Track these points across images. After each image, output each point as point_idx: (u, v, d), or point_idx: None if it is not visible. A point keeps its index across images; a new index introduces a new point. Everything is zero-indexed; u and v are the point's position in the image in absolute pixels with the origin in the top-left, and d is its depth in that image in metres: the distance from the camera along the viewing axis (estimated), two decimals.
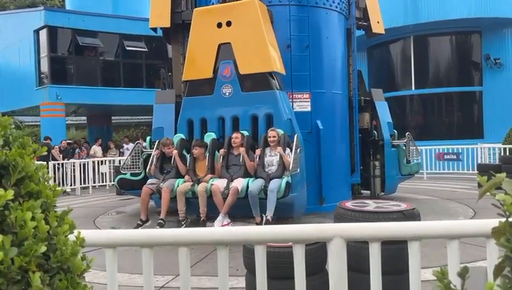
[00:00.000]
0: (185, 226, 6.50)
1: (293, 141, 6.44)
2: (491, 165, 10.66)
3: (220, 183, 6.36)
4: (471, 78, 16.94)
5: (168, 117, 7.85)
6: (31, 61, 18.22)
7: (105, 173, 13.78)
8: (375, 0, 9.45)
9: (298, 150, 6.42)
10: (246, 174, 6.45)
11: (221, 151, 6.76)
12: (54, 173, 12.40)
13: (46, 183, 1.18)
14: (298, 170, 6.38)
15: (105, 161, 14.01)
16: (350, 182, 8.65)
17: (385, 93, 10.03)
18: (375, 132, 9.19)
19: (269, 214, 6.04)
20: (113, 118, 23.92)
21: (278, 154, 6.34)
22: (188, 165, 6.89)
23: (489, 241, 1.78)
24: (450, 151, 14.33)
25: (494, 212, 0.93)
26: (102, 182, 13.76)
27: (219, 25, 7.17)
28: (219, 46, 7.18)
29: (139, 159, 7.86)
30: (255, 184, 6.18)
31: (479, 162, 12.51)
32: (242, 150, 6.51)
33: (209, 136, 7.10)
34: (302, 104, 7.69)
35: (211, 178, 6.60)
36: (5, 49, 20.13)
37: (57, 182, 12.08)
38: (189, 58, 7.42)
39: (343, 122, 8.41)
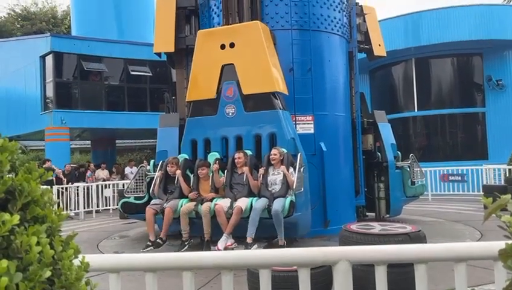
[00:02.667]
0: (189, 247, 6.48)
1: (296, 160, 6.43)
2: (496, 186, 10.59)
3: (223, 203, 6.32)
4: (474, 99, 16.99)
5: (172, 140, 7.88)
6: (36, 87, 18.45)
7: (109, 197, 13.76)
8: (377, 24, 9.57)
9: (302, 169, 6.39)
10: (250, 194, 6.42)
11: (214, 166, 6.76)
12: (58, 197, 12.40)
13: (51, 207, 1.18)
14: (302, 189, 6.35)
15: (109, 184, 14.01)
16: (355, 204, 8.59)
17: (388, 115, 10.07)
18: (378, 153, 9.17)
19: (280, 238, 5.99)
20: (117, 141, 24.04)
21: (281, 173, 6.32)
22: (191, 185, 6.89)
23: (496, 264, 1.76)
24: (455, 172, 14.26)
25: (502, 233, 0.92)
26: (106, 206, 13.72)
27: (222, 47, 7.26)
28: (222, 67, 7.26)
29: (142, 182, 7.85)
30: (259, 203, 6.15)
31: (484, 183, 12.43)
32: (246, 169, 6.49)
33: (213, 156, 7.11)
34: (305, 126, 7.71)
35: (214, 198, 6.57)
36: (12, 74, 20.42)
37: (61, 206, 12.07)
38: (193, 79, 7.49)
39: (346, 144, 8.41)
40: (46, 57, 17.96)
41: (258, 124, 6.97)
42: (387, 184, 8.91)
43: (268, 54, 7.01)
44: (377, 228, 3.66)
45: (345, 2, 8.73)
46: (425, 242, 3.32)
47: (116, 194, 13.11)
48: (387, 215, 8.99)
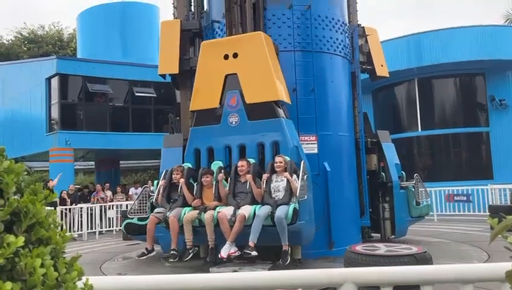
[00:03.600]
0: (192, 255, 6.46)
1: (299, 168, 6.43)
2: (502, 206, 10.50)
3: (226, 211, 6.29)
4: (478, 119, 16.99)
5: (176, 161, 7.88)
6: (42, 108, 18.62)
7: (113, 218, 13.72)
8: (379, 45, 9.66)
9: (305, 177, 6.38)
10: (253, 202, 6.40)
11: (220, 176, 6.74)
12: (62, 219, 12.37)
13: (55, 229, 1.18)
14: (305, 197, 6.32)
15: (112, 205, 13.99)
16: (360, 225, 8.53)
17: (391, 135, 10.07)
18: (383, 173, 9.14)
19: (284, 243, 5.97)
20: (121, 162, 24.10)
21: (285, 179, 6.30)
22: (194, 193, 6.88)
23: (504, 286, 1.74)
24: (460, 192, 14.16)
25: (509, 255, 0.91)
26: (109, 227, 13.67)
27: (226, 57, 7.34)
28: (226, 76, 7.32)
29: (146, 203, 7.84)
30: (262, 210, 6.12)
31: (490, 203, 12.32)
32: (249, 177, 6.47)
33: (216, 165, 7.12)
34: (309, 146, 7.72)
35: (217, 206, 6.54)
36: (18, 96, 20.65)
37: (64, 227, 12.03)
38: (197, 89, 7.53)
39: (350, 164, 8.39)
40: (52, 79, 18.17)
41: (261, 132, 6.99)
42: (392, 204, 8.85)
43: (271, 64, 7.07)
44: (382, 249, 3.62)
45: (347, 24, 8.84)
46: (432, 263, 3.28)
47: (119, 215, 13.08)
48: (393, 236, 8.90)
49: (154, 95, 19.17)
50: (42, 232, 1.11)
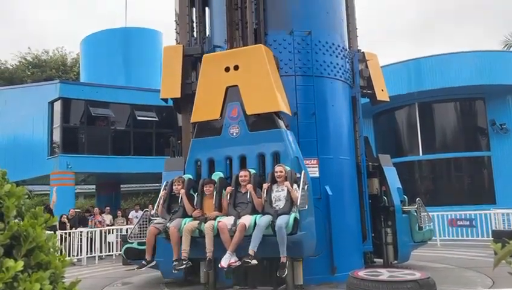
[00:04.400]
0: (185, 267, 6.40)
1: (300, 178, 6.40)
2: (506, 231, 10.40)
3: (227, 221, 6.26)
4: (479, 143, 16.99)
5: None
6: (44, 132, 18.70)
7: (113, 242, 13.59)
8: (379, 69, 9.75)
9: (306, 187, 6.36)
10: (254, 212, 6.36)
11: (228, 189, 6.70)
12: (61, 243, 12.27)
13: (55, 253, 1.17)
14: (306, 207, 6.28)
15: (112, 229, 13.88)
16: (362, 250, 8.43)
17: (393, 159, 10.06)
18: (385, 197, 9.09)
19: (283, 255, 5.88)
20: (121, 186, 24.05)
21: (285, 188, 6.28)
22: (195, 203, 6.86)
23: None
24: (463, 217, 14.05)
25: None
26: (109, 251, 13.53)
27: (227, 69, 7.42)
28: (227, 89, 7.38)
29: (146, 227, 7.78)
30: (263, 220, 6.08)
31: (493, 228, 12.21)
32: (250, 186, 6.45)
33: (217, 175, 7.11)
34: (310, 169, 7.70)
35: (218, 216, 6.50)
36: (20, 120, 20.77)
37: (64, 252, 11.92)
38: (198, 101, 7.58)
39: (352, 188, 8.36)
40: (55, 103, 18.31)
41: (262, 143, 7.00)
42: (394, 229, 8.77)
43: (271, 75, 7.14)
44: (385, 274, 3.57)
45: (347, 49, 8.94)
46: None
47: (119, 240, 12.96)
48: (395, 262, 8.79)
49: (156, 119, 19.27)
50: (42, 256, 1.11)
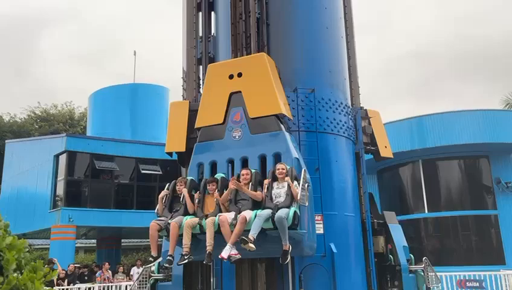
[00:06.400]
0: (187, 262, 6.40)
1: (300, 176, 6.48)
2: None
3: (228, 215, 6.32)
4: (485, 202, 16.80)
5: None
6: (48, 185, 18.72)
7: None
8: (382, 126, 9.85)
9: (306, 186, 6.43)
10: (254, 207, 6.40)
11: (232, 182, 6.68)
12: None
13: None
14: (307, 204, 6.34)
15: (111, 286, 13.52)
16: None
17: (398, 216, 9.92)
18: (391, 256, 8.88)
19: (285, 243, 5.93)
20: (123, 240, 23.68)
21: (286, 184, 6.36)
22: (197, 201, 6.89)
23: None
24: (472, 278, 13.63)
25: None
26: None
27: (231, 77, 7.62)
28: (230, 95, 7.55)
29: (146, 284, 7.58)
30: (264, 212, 6.15)
31: None
32: (236, 185, 6.45)
33: (219, 176, 7.13)
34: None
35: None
36: (25, 173, 20.86)
37: None
38: (202, 107, 7.76)
39: (357, 246, 8.19)
40: (60, 156, 18.46)
41: (264, 145, 7.12)
42: (401, 289, 8.49)
43: (273, 80, 7.35)
44: None
45: (350, 106, 9.09)
46: None
47: None
48: None
49: (160, 173, 19.31)
50: None
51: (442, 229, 16.82)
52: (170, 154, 9.06)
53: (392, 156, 9.91)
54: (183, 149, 8.61)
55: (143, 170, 19.03)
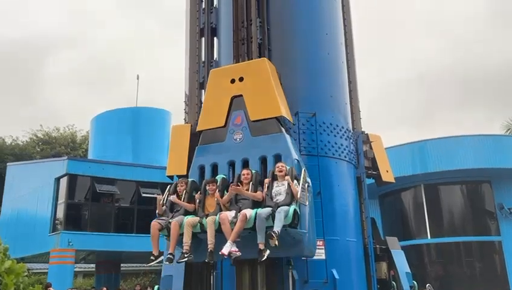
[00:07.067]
0: (187, 260, 6.45)
1: (300, 176, 6.53)
2: None
3: (228, 213, 6.37)
4: (488, 228, 16.64)
5: (178, 265, 7.67)
6: (48, 208, 18.62)
7: None
8: (383, 151, 9.84)
9: (306, 185, 6.49)
10: (254, 206, 6.42)
11: (231, 186, 6.71)
12: None
13: None
14: (307, 203, 6.36)
15: None
16: None
17: (400, 242, 9.81)
18: (393, 282, 8.74)
19: (276, 229, 5.87)
20: (122, 265, 23.40)
21: (286, 183, 6.40)
22: (198, 202, 6.94)
23: None
24: None
25: None
26: None
27: (232, 81, 7.73)
28: (232, 98, 7.65)
29: None
30: (264, 210, 6.17)
31: None
32: (235, 190, 6.47)
33: (219, 177, 7.17)
34: (317, 251, 7.50)
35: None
36: (26, 196, 20.78)
37: None
38: (204, 111, 7.88)
39: (360, 272, 8.07)
40: (61, 179, 18.42)
41: (264, 146, 7.20)
42: None
43: (273, 83, 7.48)
44: None
45: (351, 131, 9.11)
46: None
47: None
48: None
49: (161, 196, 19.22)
50: None
51: (446, 255, 16.61)
52: (171, 177, 9.04)
53: (394, 181, 9.88)
54: (184, 173, 8.58)
55: (144, 193, 18.96)
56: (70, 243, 16.96)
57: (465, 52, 66.69)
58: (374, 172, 9.49)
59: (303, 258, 7.05)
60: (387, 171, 9.58)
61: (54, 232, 17.92)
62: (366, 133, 9.67)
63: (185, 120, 9.48)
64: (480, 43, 63.54)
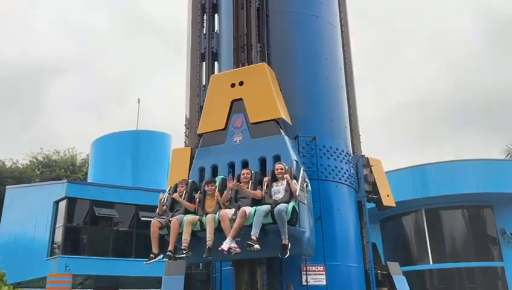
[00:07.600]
0: (185, 257, 6.53)
1: (299, 176, 6.60)
2: None
3: (228, 211, 6.43)
4: (490, 253, 16.46)
5: (177, 282, 7.67)
6: (46, 232, 18.44)
7: None
8: (383, 175, 9.80)
9: (305, 185, 6.58)
10: (253, 204, 6.47)
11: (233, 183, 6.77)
12: None
13: None
14: (305, 202, 6.42)
15: None
16: None
17: (402, 267, 9.68)
18: None
19: (284, 237, 6.01)
20: None
21: (285, 181, 6.48)
22: (198, 201, 6.98)
23: None
24: None
25: None
26: None
27: (233, 85, 7.90)
28: (232, 102, 7.80)
29: None
30: (263, 207, 6.24)
31: None
32: (235, 185, 6.54)
33: (219, 178, 7.23)
34: (317, 277, 7.40)
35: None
36: (24, 219, 20.61)
37: None
38: (205, 114, 8.02)
39: None
40: (60, 202, 18.31)
41: (264, 148, 7.31)
42: None
43: (273, 87, 7.64)
44: None
45: (351, 154, 9.11)
46: None
47: None
48: None
49: None
50: None
51: (448, 281, 16.39)
52: None
53: (395, 205, 9.81)
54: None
55: (143, 217, 18.81)
56: (68, 268, 16.74)
57: (464, 76, 67.33)
58: (374, 196, 9.44)
59: (303, 257, 7.08)
60: (388, 196, 9.53)
61: (52, 257, 17.71)
62: (366, 157, 9.66)
63: (185, 143, 9.50)
64: (477, 66, 64.23)
